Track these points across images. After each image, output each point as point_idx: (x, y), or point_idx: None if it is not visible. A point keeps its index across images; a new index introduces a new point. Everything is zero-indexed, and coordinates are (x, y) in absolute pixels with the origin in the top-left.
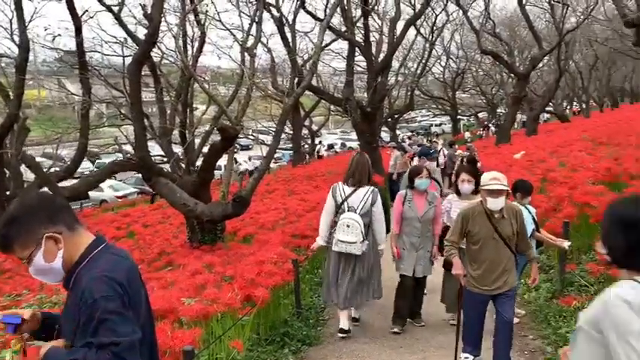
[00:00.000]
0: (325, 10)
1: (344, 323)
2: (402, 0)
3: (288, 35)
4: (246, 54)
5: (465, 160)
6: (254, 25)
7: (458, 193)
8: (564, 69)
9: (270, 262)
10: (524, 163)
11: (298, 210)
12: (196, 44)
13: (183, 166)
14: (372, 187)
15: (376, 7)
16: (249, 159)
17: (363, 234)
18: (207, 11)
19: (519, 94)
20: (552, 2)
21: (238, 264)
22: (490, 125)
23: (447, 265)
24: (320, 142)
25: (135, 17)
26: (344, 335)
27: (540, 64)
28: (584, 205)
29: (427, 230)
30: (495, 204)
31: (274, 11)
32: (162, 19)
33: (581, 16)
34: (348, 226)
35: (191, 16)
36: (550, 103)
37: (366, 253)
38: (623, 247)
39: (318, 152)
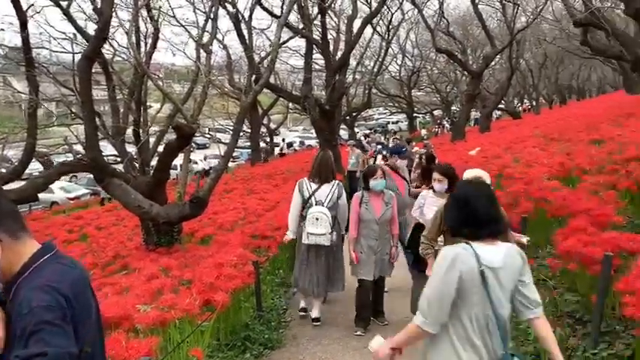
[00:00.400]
0: (282, 7)
1: (316, 313)
2: None
3: (245, 32)
4: (201, 51)
5: (423, 157)
6: (209, 21)
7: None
8: (516, 67)
9: (230, 265)
10: (480, 159)
11: (258, 209)
12: (150, 41)
13: (137, 166)
14: (338, 182)
15: (333, 5)
16: (205, 158)
17: (331, 225)
18: (160, 7)
19: (473, 91)
20: (504, 2)
21: (196, 267)
22: (445, 123)
23: (422, 266)
24: (283, 140)
25: (84, 12)
26: (304, 314)
27: (492, 63)
28: (540, 199)
29: (385, 232)
30: None
31: (230, 7)
32: (114, 14)
33: (531, 16)
34: (317, 219)
35: (144, 12)
36: (502, 101)
37: (334, 244)
38: (456, 219)
39: (281, 150)
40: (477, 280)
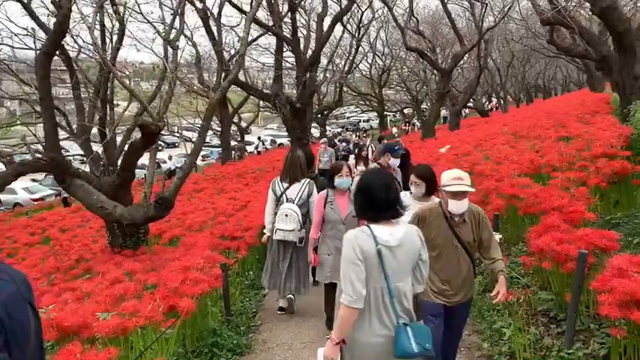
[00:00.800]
0: (251, 4)
1: (283, 303)
2: None
3: (214, 29)
4: (169, 47)
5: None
6: (176, 17)
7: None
8: (484, 66)
9: (197, 268)
10: (450, 156)
11: (228, 209)
12: (115, 37)
13: (103, 165)
14: (308, 180)
15: (303, 3)
16: (170, 158)
17: (300, 222)
18: (126, 2)
19: (443, 90)
20: (472, 1)
21: (162, 271)
22: (415, 121)
23: None
24: (259, 138)
25: (47, 8)
26: (282, 313)
27: (461, 62)
28: (511, 197)
29: None
30: (458, 207)
31: (198, 4)
32: (79, 10)
33: (499, 15)
34: (286, 215)
35: (110, 9)
36: (471, 99)
37: (304, 242)
38: (360, 205)
39: (256, 147)
40: (375, 257)
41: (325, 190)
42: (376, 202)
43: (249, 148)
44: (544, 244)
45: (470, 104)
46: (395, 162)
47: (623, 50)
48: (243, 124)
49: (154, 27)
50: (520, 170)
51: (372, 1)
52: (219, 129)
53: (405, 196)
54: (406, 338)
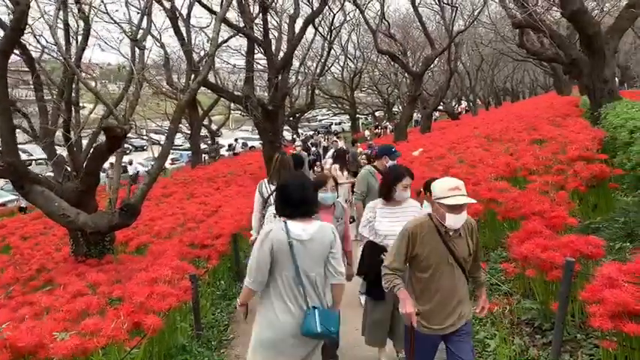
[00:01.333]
0: (221, 4)
1: None
2: None
3: (183, 30)
4: (136, 48)
5: (372, 158)
6: (144, 17)
7: (388, 196)
8: (454, 69)
9: (164, 281)
10: (424, 159)
11: (198, 215)
12: (80, 38)
13: (69, 170)
14: None
15: (274, 4)
16: (130, 163)
17: None
18: (91, 1)
19: (414, 93)
20: (443, 4)
21: (128, 283)
22: (387, 124)
23: (377, 293)
24: (236, 140)
25: (7, 7)
26: None
27: (432, 65)
28: (489, 201)
29: None
30: (457, 222)
31: (166, 4)
32: (40, 8)
33: (469, 19)
34: (275, 216)
35: (75, 9)
36: (441, 102)
37: None
38: (279, 203)
39: (233, 149)
40: (286, 249)
41: None
42: (292, 201)
43: (224, 150)
44: (528, 251)
45: (440, 107)
46: (392, 164)
47: (592, 53)
48: (214, 127)
49: (121, 27)
50: (496, 173)
51: (344, 3)
52: (189, 132)
53: (376, 206)
54: (313, 320)
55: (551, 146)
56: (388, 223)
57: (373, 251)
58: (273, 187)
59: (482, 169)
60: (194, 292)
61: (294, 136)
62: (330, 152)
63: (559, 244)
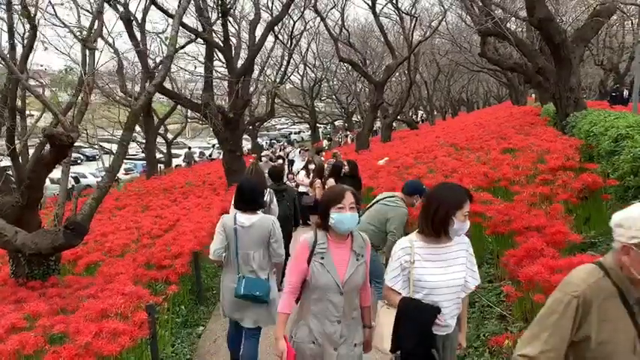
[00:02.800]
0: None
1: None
2: (260, 4)
3: (138, 35)
4: (86, 51)
5: (344, 167)
6: (95, 16)
7: (439, 230)
8: (414, 79)
9: (116, 313)
10: (392, 169)
11: (153, 230)
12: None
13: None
14: (269, 189)
15: (233, 11)
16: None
17: None
18: (37, 2)
19: (376, 102)
20: (402, 15)
21: (73, 316)
22: (348, 133)
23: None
24: (214, 146)
25: None
26: None
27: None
28: (476, 214)
29: (353, 306)
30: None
31: (120, 8)
32: None
33: (427, 30)
34: None
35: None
36: (402, 111)
37: None
38: (236, 197)
39: (210, 155)
40: (232, 232)
41: (310, 236)
42: (244, 199)
43: (176, 161)
44: (534, 274)
45: (398, 117)
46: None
47: (559, 62)
48: (170, 136)
49: (68, 27)
50: (473, 184)
51: (304, 12)
52: (144, 141)
53: (414, 239)
54: (240, 286)
55: (527, 155)
56: (435, 269)
57: (415, 313)
58: None
59: (458, 178)
60: (151, 327)
61: (267, 144)
62: (299, 163)
63: (565, 263)
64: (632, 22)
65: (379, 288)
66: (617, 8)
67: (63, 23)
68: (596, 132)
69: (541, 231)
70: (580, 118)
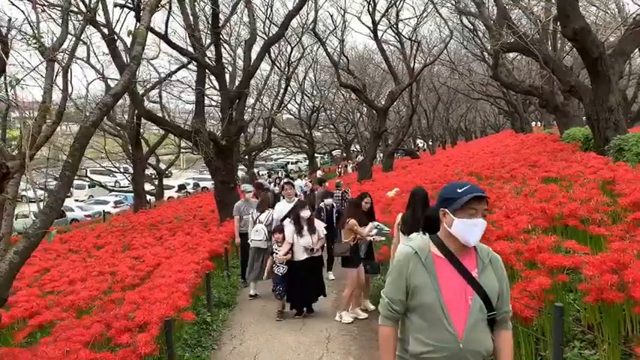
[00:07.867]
0: (166, 25)
1: (253, 292)
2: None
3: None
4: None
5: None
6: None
7: None
8: (416, 107)
9: None
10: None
11: (129, 276)
12: None
13: None
14: (270, 210)
15: (228, 38)
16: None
17: (266, 235)
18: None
19: (379, 129)
20: (403, 40)
21: None
22: (349, 162)
23: None
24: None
25: None
26: (252, 299)
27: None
28: (555, 270)
29: None
30: None
31: (105, 30)
32: None
33: (429, 57)
34: (257, 231)
35: None
36: (403, 140)
37: (269, 248)
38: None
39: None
40: None
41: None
42: None
43: (169, 193)
44: None
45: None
46: None
47: (596, 79)
48: (162, 166)
49: (39, 40)
50: (529, 222)
51: (302, 36)
52: (132, 172)
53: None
54: None
55: (586, 185)
56: None
57: None
58: (257, 214)
59: (503, 214)
60: None
61: (269, 176)
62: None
63: None
64: None
65: None
66: None
67: (35, 37)
68: None
69: None
70: (633, 140)
